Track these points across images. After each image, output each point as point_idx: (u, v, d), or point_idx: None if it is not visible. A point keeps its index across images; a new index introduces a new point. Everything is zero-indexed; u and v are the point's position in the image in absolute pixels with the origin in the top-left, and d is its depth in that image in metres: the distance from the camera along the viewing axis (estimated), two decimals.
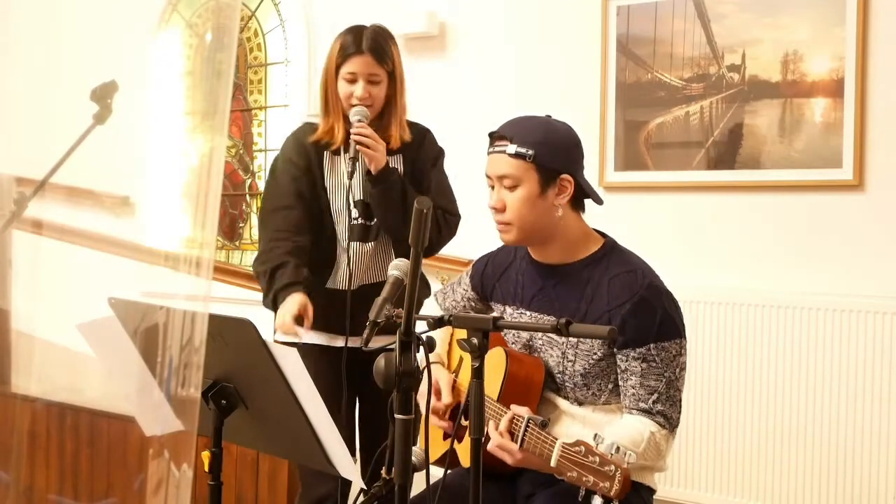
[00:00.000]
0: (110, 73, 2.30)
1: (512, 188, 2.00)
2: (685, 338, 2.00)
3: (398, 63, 2.57)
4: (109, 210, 5.04)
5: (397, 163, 2.59)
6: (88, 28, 3.95)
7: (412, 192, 2.52)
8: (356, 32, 2.55)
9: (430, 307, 2.44)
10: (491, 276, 2.25)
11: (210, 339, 1.42)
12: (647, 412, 1.96)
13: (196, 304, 1.41)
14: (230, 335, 1.77)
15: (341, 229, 2.57)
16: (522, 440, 1.87)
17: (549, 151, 1.98)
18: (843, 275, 3.44)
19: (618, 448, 1.65)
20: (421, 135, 2.66)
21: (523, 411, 1.91)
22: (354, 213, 2.57)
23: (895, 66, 3.35)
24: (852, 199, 3.44)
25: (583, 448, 1.68)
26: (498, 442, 1.90)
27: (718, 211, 3.70)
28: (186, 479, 1.42)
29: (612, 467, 1.64)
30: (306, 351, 2.47)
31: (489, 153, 2.05)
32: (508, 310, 2.16)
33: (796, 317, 3.42)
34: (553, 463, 1.73)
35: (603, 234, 2.12)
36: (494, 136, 2.04)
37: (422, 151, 2.64)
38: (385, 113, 2.58)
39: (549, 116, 2.08)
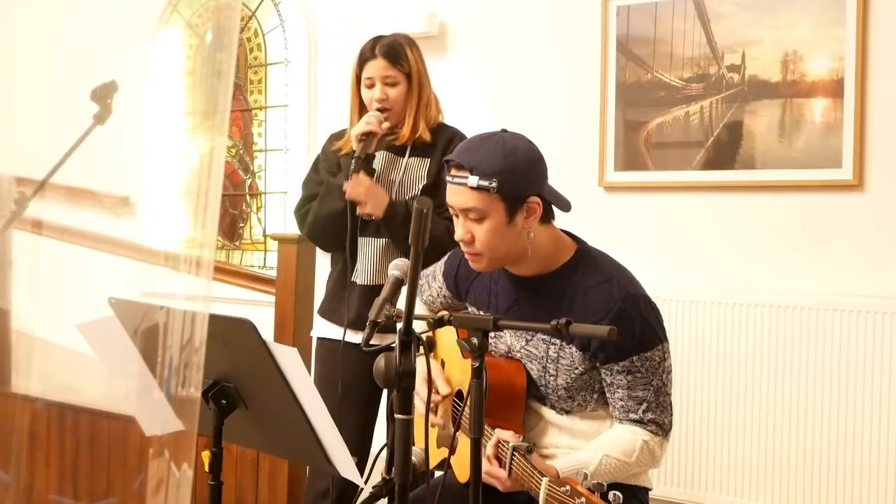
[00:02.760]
0: (110, 73, 2.30)
1: (479, 220, 1.91)
2: (667, 340, 1.97)
3: (415, 64, 2.66)
4: (109, 210, 5.03)
5: (422, 166, 2.66)
6: (88, 28, 3.95)
7: None
8: (375, 40, 2.67)
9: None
10: (465, 279, 2.21)
11: (210, 339, 1.42)
12: (639, 422, 1.94)
13: (196, 304, 1.41)
14: (230, 335, 1.77)
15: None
16: (510, 469, 1.84)
17: (512, 179, 1.87)
18: (842, 275, 3.44)
19: (606, 490, 1.57)
20: (448, 138, 2.69)
21: (508, 436, 1.88)
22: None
23: (895, 66, 3.36)
24: (852, 199, 3.44)
25: (569, 488, 1.62)
26: (486, 469, 1.85)
27: (718, 211, 3.70)
28: (186, 479, 1.42)
29: None
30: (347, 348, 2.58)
31: (448, 182, 1.95)
32: None
33: (796, 317, 3.42)
34: (541, 502, 1.70)
35: (574, 238, 2.07)
36: (451, 165, 1.94)
37: (447, 154, 2.67)
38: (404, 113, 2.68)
39: (505, 131, 1.96)
